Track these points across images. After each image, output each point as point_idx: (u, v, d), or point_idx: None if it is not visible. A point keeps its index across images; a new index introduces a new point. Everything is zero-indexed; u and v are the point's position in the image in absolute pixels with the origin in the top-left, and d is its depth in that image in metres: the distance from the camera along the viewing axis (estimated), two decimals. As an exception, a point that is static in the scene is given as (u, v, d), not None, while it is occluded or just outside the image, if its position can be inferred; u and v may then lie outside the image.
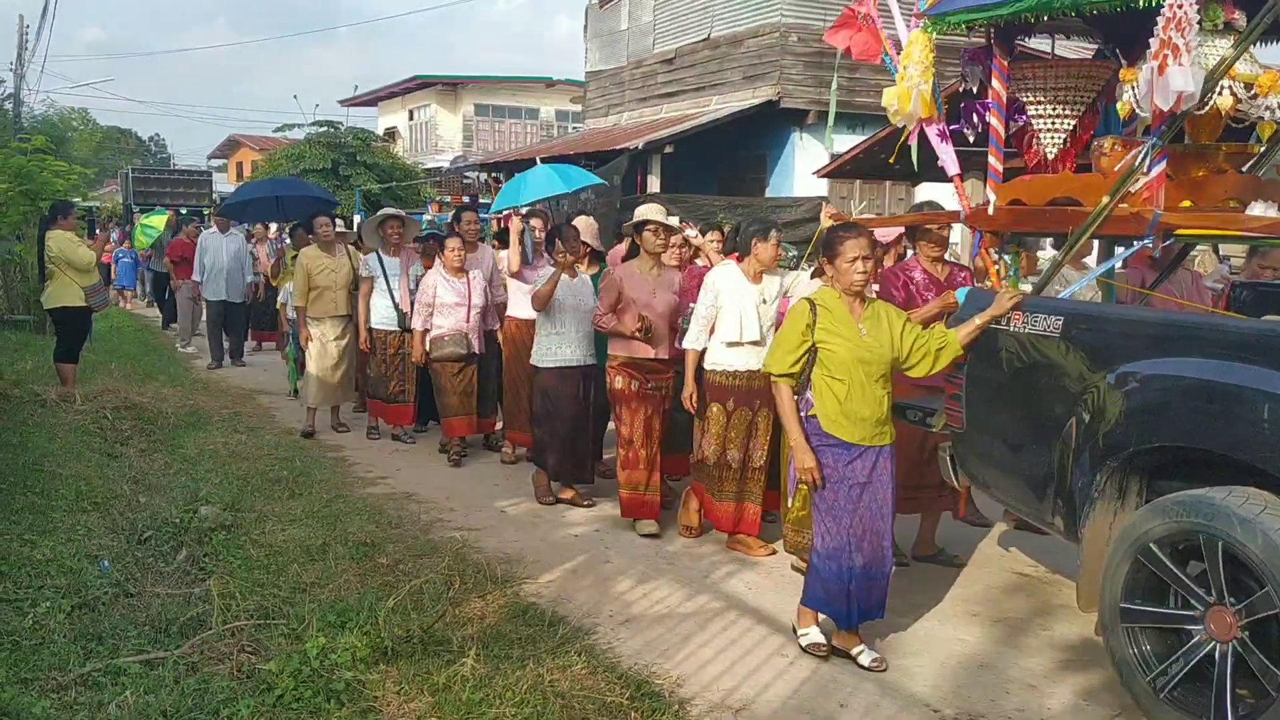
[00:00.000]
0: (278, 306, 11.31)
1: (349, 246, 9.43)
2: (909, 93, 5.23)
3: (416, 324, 8.03)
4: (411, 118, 39.95)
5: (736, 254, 6.10)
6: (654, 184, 18.38)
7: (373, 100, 41.51)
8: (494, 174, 26.56)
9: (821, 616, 4.62)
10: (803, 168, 18.19)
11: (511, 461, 8.08)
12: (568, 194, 8.01)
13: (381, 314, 8.67)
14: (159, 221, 19.41)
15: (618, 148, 18.30)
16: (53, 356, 9.71)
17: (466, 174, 30.81)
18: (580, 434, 6.89)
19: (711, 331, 5.91)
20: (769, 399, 5.63)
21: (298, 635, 4.23)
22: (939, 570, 5.74)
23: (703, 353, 5.94)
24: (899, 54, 5.35)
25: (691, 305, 6.09)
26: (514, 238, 7.66)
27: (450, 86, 37.11)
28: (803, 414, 4.44)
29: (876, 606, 4.51)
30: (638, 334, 6.21)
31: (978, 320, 4.55)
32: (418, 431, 9.08)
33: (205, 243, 13.18)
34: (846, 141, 17.30)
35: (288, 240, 12.66)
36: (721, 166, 19.93)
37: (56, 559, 5.05)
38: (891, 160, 6.31)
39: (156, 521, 5.79)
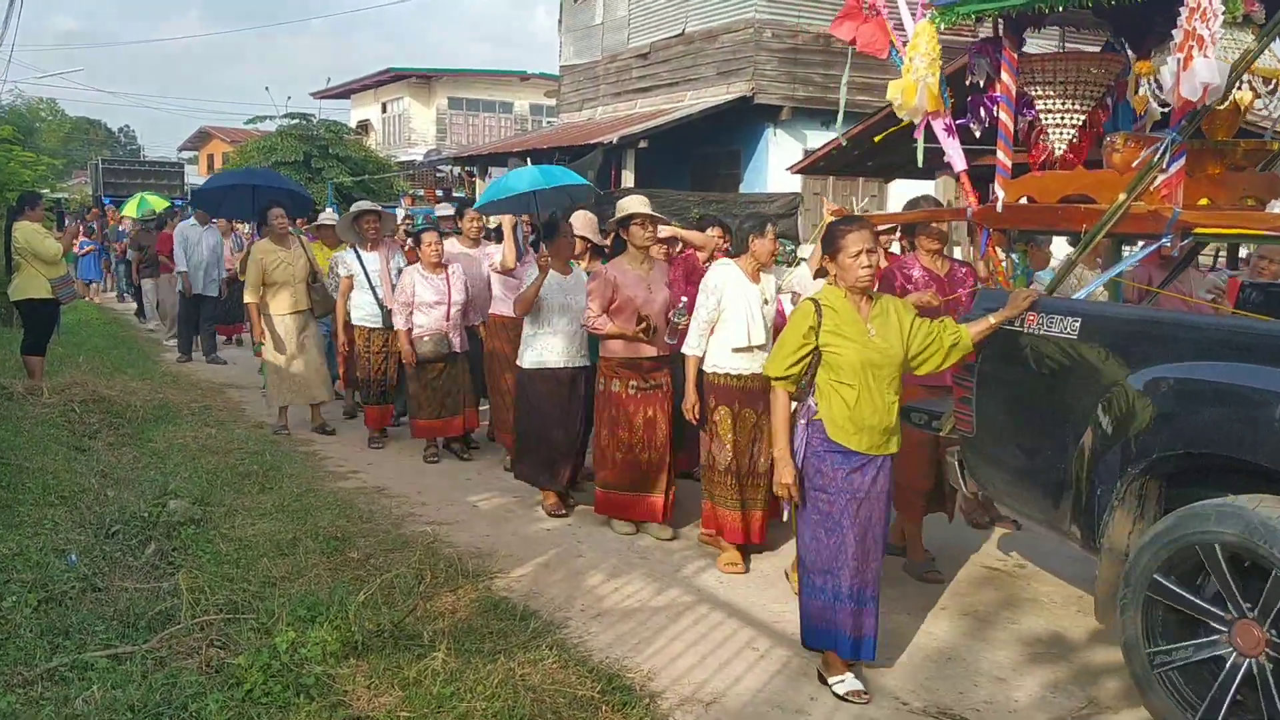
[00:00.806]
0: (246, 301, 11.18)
1: (302, 239, 9.14)
2: (915, 86, 5.09)
3: (399, 323, 7.74)
4: (384, 110, 39.77)
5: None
6: (628, 179, 18.38)
7: (345, 92, 41.28)
8: (467, 168, 26.49)
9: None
10: (776, 163, 18.24)
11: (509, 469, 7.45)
12: (547, 189, 7.74)
13: (364, 311, 8.32)
14: (159, 203, 19.51)
15: (592, 142, 18.30)
16: (20, 349, 9.61)
17: (440, 167, 30.70)
18: (567, 438, 6.57)
19: (711, 334, 5.67)
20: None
21: (267, 629, 4.22)
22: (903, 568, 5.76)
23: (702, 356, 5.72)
24: (904, 46, 5.24)
25: (684, 299, 5.92)
26: (507, 233, 7.46)
27: (424, 79, 36.98)
28: (805, 419, 4.16)
29: (867, 642, 4.15)
30: (641, 335, 5.98)
31: (991, 320, 4.35)
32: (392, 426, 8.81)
33: (185, 234, 12.94)
34: (820, 138, 17.38)
35: (257, 235, 12.50)
36: (695, 162, 19.95)
37: (23, 553, 5.01)
38: (878, 140, 6.25)
39: (125, 515, 5.74)
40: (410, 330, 7.71)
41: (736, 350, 5.57)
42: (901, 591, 5.36)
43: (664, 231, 6.49)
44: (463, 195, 26.54)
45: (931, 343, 4.21)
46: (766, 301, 5.66)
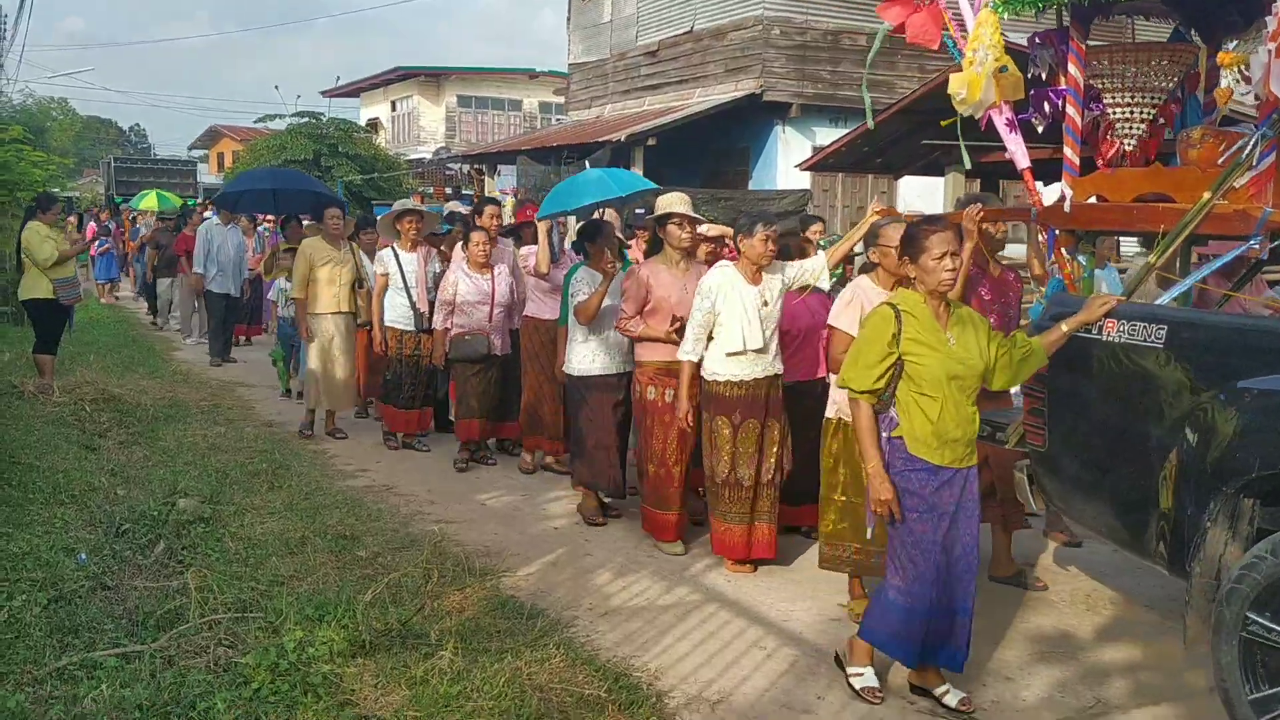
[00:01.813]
0: (271, 299, 10.72)
1: (353, 243, 8.90)
2: (980, 79, 4.79)
3: (437, 323, 7.58)
4: (394, 109, 39.79)
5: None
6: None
7: (355, 91, 41.33)
8: (476, 165, 26.51)
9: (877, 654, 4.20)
10: (785, 161, 18.23)
11: (530, 471, 7.56)
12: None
13: (397, 312, 8.06)
14: (176, 200, 19.52)
15: (600, 140, 18.30)
16: (32, 349, 9.63)
17: (449, 165, 30.74)
18: (620, 445, 6.37)
19: (710, 339, 5.48)
20: (779, 409, 5.51)
21: (275, 628, 4.22)
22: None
23: (699, 363, 5.51)
24: (960, 35, 4.98)
25: None
26: (542, 236, 7.19)
27: (433, 77, 36.99)
28: (884, 434, 3.94)
29: (961, 648, 4.01)
30: (674, 337, 5.67)
31: (1065, 327, 4.09)
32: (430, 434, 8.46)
33: (210, 234, 12.68)
34: (829, 135, 17.35)
35: (280, 235, 12.17)
36: (704, 159, 19.94)
37: (33, 552, 5.02)
38: (945, 124, 5.60)
39: (134, 514, 5.76)
40: (448, 330, 7.54)
41: (730, 355, 5.37)
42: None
43: (713, 231, 6.23)
44: (472, 193, 26.59)
45: (1003, 356, 4.00)
46: (766, 303, 5.43)
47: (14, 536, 5.19)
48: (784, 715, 4.01)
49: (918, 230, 3.95)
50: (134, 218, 20.86)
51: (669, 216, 5.85)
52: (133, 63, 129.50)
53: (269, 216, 15.09)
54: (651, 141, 18.14)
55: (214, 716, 3.55)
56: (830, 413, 4.98)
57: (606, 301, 6.26)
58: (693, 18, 20.07)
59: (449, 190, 26.88)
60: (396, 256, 8.10)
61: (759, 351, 5.38)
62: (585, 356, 6.35)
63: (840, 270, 5.97)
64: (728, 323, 5.36)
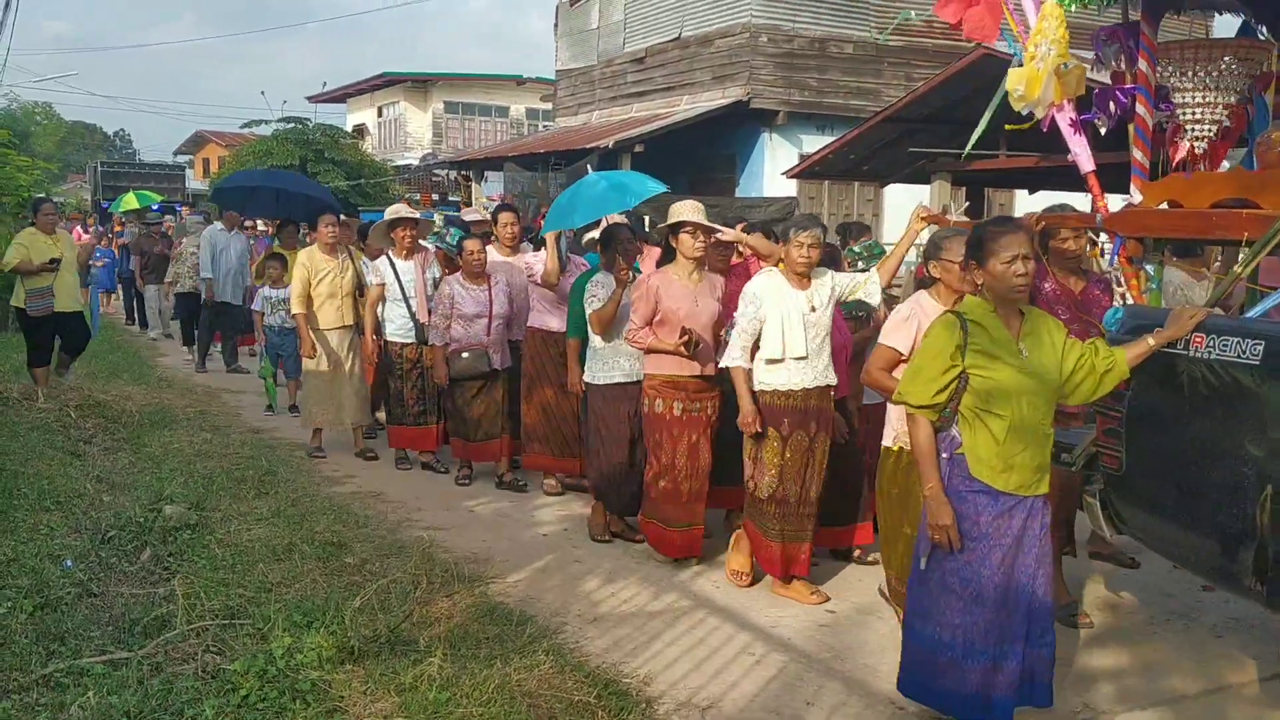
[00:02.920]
0: (256, 309, 10.01)
1: (351, 249, 8.47)
2: (1040, 75, 4.54)
3: (435, 339, 7.21)
4: (380, 115, 39.77)
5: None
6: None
7: (341, 97, 41.29)
8: (463, 172, 26.51)
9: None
10: (772, 168, 18.28)
11: (558, 494, 7.18)
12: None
13: (396, 324, 7.69)
14: (155, 197, 19.27)
15: (588, 147, 18.32)
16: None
17: (436, 171, 30.72)
18: (638, 458, 6.02)
19: (757, 347, 5.23)
20: (828, 423, 5.26)
21: (263, 635, 4.20)
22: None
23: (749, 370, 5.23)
24: (1020, 29, 4.77)
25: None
26: (550, 245, 6.84)
27: (420, 83, 36.99)
28: (946, 453, 3.67)
29: (1041, 691, 3.71)
30: (682, 350, 5.48)
31: (1150, 341, 3.77)
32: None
33: (213, 239, 12.11)
34: (816, 142, 17.40)
35: (272, 240, 11.72)
36: (691, 166, 19.98)
37: (18, 558, 5.00)
38: (1009, 128, 5.18)
39: (120, 520, 5.74)
40: (446, 345, 7.19)
41: (770, 362, 5.14)
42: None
43: (727, 236, 5.98)
44: (458, 199, 26.58)
45: (1083, 366, 3.71)
46: (814, 309, 5.15)
47: (-1, 543, 5.17)
48: (773, 721, 4.01)
49: (986, 232, 3.69)
50: (123, 223, 20.53)
51: (681, 225, 5.62)
52: (117, 67, 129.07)
53: (253, 223, 14.93)
54: (639, 148, 18.17)
55: (202, 723, 3.53)
56: (889, 439, 4.75)
57: (620, 311, 6.00)
58: (680, 25, 20.12)
59: (435, 197, 26.85)
60: (393, 265, 7.72)
61: (803, 359, 5.12)
62: (605, 365, 6.10)
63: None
64: (771, 330, 5.13)
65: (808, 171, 15.89)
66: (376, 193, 29.51)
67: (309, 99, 41.37)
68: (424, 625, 4.51)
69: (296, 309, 8.03)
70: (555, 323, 6.92)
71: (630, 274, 6.00)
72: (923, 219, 5.15)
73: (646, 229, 8.25)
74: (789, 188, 17.29)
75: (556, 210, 7.05)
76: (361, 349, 8.11)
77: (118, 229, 20.05)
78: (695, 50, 19.74)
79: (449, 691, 3.82)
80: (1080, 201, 14.03)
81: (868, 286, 5.36)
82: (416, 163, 33.11)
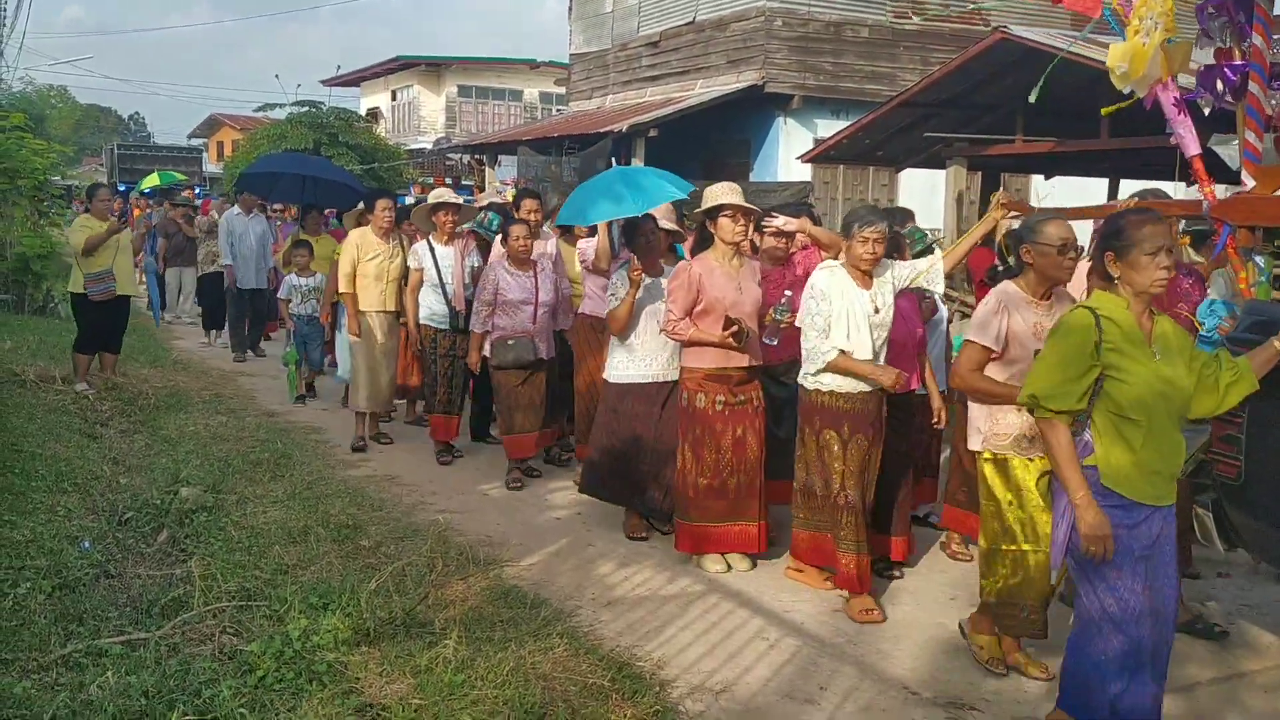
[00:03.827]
0: (282, 297, 9.81)
1: (404, 236, 8.23)
2: (1146, 51, 4.28)
3: (476, 325, 6.94)
4: (394, 98, 39.74)
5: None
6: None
7: (355, 80, 41.27)
8: (477, 156, 26.49)
9: None
10: (786, 152, 18.21)
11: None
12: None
13: (431, 310, 7.51)
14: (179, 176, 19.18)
15: (602, 131, 18.28)
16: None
17: (449, 155, 30.72)
18: (658, 459, 5.79)
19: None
20: (881, 427, 4.99)
21: (279, 617, 4.24)
22: (915, 555, 5.74)
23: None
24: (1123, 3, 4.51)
25: (788, 293, 5.29)
26: (602, 230, 6.63)
27: (433, 67, 36.93)
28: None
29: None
30: (730, 341, 5.21)
31: (1278, 344, 3.50)
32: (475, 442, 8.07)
33: (231, 224, 12.06)
34: (831, 127, 17.33)
35: (298, 226, 11.38)
36: (705, 151, 19.92)
37: (36, 540, 5.04)
38: (1105, 112, 4.91)
39: (137, 503, 5.78)
40: (488, 333, 6.93)
41: None
42: (911, 582, 5.37)
43: (790, 225, 5.67)
44: (472, 184, 26.58)
45: (1207, 377, 3.45)
46: (878, 309, 4.89)
47: (17, 524, 5.20)
48: (786, 706, 4.02)
49: (1125, 221, 3.42)
50: (149, 208, 20.26)
51: (720, 209, 5.34)
52: (132, 51, 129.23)
53: (276, 206, 14.80)
54: (653, 133, 18.12)
55: (219, 704, 3.56)
56: (976, 443, 4.35)
57: (646, 303, 5.80)
58: (694, 8, 20.03)
59: (448, 181, 26.86)
60: (432, 250, 7.52)
61: (866, 362, 4.86)
62: (622, 362, 5.89)
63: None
64: (835, 329, 4.84)
65: (822, 156, 15.83)
66: (390, 177, 29.52)
67: (323, 82, 41.38)
68: (439, 608, 4.53)
69: (343, 288, 7.91)
70: (605, 309, 6.51)
71: (642, 274, 5.72)
72: (1003, 205, 4.86)
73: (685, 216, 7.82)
74: (804, 172, 17.22)
75: (571, 204, 6.77)
76: (409, 333, 7.82)
77: (137, 213, 19.95)
78: (710, 34, 19.65)
79: (464, 673, 3.84)
80: (1096, 186, 13.94)
81: (930, 273, 5.04)
82: (430, 146, 33.11)
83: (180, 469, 6.50)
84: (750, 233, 5.56)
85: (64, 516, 5.51)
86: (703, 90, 19.31)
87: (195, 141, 49.93)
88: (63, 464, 6.43)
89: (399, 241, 8.08)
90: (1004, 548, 4.19)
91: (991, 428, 4.20)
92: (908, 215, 6.22)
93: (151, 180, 20.74)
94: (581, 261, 7.02)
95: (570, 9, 24.29)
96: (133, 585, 4.69)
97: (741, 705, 4.01)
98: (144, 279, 15.11)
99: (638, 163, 18.39)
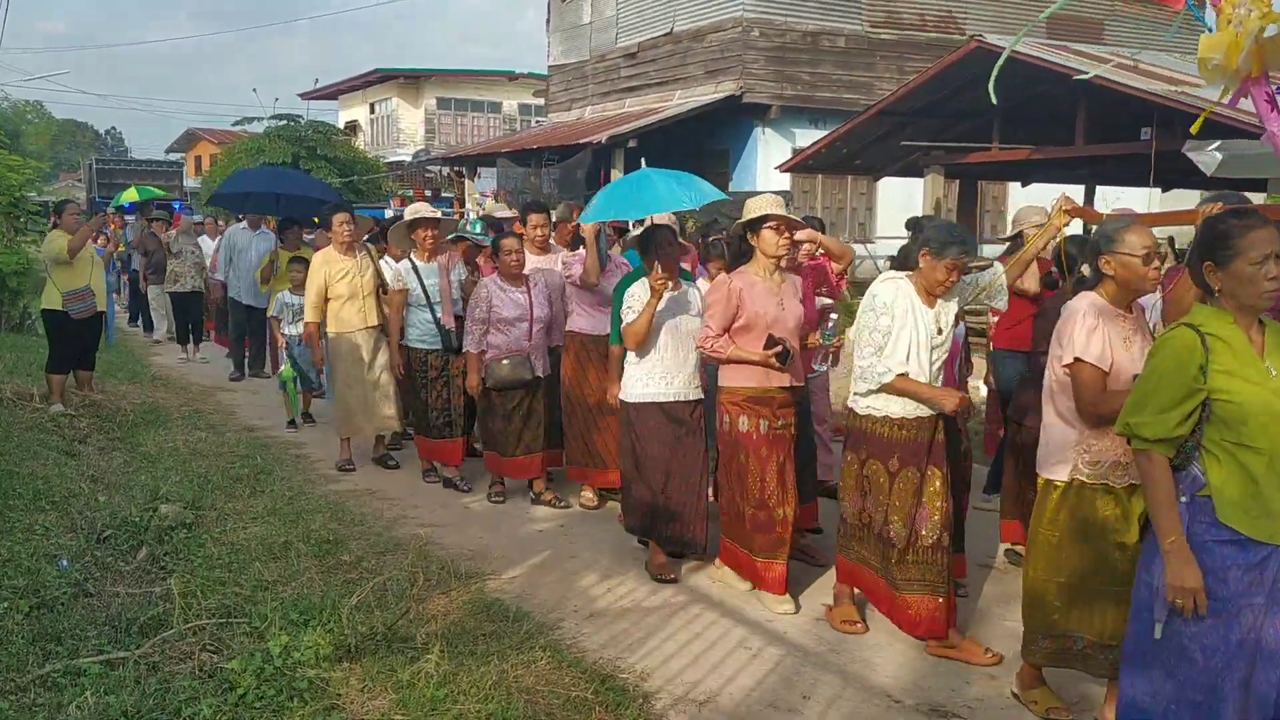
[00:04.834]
0: (273, 316, 9.48)
1: (369, 246, 7.96)
2: (1240, 43, 3.92)
3: (470, 345, 6.68)
4: (373, 111, 39.72)
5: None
6: (617, 178, 18.40)
7: (333, 94, 41.21)
8: (456, 168, 26.50)
9: None
10: (765, 162, 18.32)
11: (594, 507, 6.74)
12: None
13: (421, 330, 7.15)
14: (159, 192, 18.94)
15: (581, 142, 18.33)
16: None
17: (429, 168, 30.71)
18: (686, 486, 5.49)
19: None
20: (942, 455, 4.54)
21: (260, 634, 4.21)
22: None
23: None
24: None
25: (834, 316, 5.04)
26: (590, 241, 6.42)
27: (412, 80, 36.97)
28: (1184, 496, 3.08)
29: None
30: (773, 360, 4.92)
31: None
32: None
33: (234, 239, 11.79)
34: (809, 136, 17.42)
35: (278, 241, 10.99)
36: (685, 161, 19.89)
37: (14, 558, 4.99)
38: (1195, 130, 4.52)
39: (116, 520, 5.73)
40: (483, 353, 6.69)
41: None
42: (893, 589, 5.38)
43: (803, 235, 5.40)
44: (451, 195, 26.57)
45: None
46: (941, 330, 4.52)
47: (-6, 543, 5.16)
48: (770, 715, 4.02)
49: (1228, 226, 3.09)
50: (125, 223, 20.00)
51: (763, 220, 5.04)
52: (109, 66, 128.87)
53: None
54: (632, 143, 18.18)
55: (200, 722, 3.54)
56: (1063, 473, 3.87)
57: (665, 317, 5.47)
58: (672, 19, 20.11)
59: (428, 193, 26.83)
60: (415, 269, 7.16)
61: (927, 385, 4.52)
62: (640, 381, 5.53)
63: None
64: (893, 348, 4.46)
65: (801, 165, 15.93)
66: (369, 189, 29.50)
67: (301, 96, 41.35)
68: (421, 622, 4.52)
69: (310, 317, 7.66)
70: (596, 326, 6.55)
71: (666, 283, 5.37)
72: (1066, 211, 4.52)
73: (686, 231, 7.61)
74: (783, 182, 17.32)
75: (609, 200, 6.28)
76: (390, 357, 7.50)
77: (114, 229, 19.75)
78: (687, 45, 19.73)
79: (446, 688, 3.83)
80: (1072, 191, 14.06)
81: (991, 289, 4.69)
82: (409, 159, 33.11)
83: (159, 485, 6.46)
84: (793, 247, 5.23)
85: (42, 535, 5.46)
86: (681, 101, 19.39)
87: (173, 156, 49.71)
88: (40, 481, 6.38)
89: (365, 252, 7.82)
90: (1057, 579, 3.89)
91: (1084, 455, 3.79)
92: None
93: (130, 195, 20.50)
94: (568, 277, 6.78)
95: (548, 20, 24.35)
96: (111, 604, 4.65)
97: (725, 715, 4.00)
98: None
99: (617, 173, 18.43)
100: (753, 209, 5.09)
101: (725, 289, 5.05)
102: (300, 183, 12.63)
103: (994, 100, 5.07)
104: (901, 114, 13.64)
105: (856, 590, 4.86)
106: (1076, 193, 14.21)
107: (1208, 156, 10.05)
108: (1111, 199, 14.96)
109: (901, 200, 18.02)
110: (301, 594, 4.73)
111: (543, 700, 3.84)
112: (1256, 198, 10.46)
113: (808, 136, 17.50)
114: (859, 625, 4.82)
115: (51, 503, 6.05)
